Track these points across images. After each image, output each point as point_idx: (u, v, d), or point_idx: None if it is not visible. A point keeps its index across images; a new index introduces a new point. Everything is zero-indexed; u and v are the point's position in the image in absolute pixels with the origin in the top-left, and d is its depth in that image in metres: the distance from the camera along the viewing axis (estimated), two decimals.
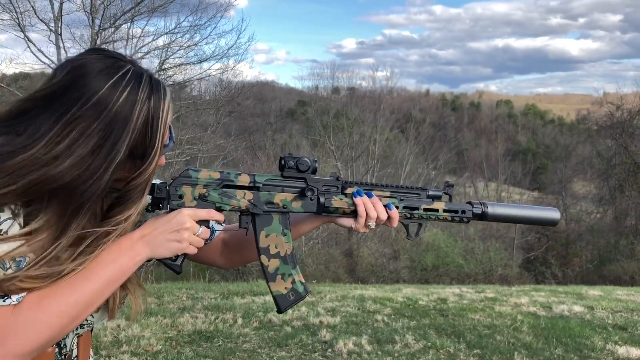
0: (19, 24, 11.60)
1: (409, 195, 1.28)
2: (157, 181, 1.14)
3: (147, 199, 1.05)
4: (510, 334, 4.73)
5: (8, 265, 0.92)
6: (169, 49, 13.13)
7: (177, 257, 1.09)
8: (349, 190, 1.23)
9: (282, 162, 1.19)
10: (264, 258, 1.20)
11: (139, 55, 12.60)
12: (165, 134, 1.02)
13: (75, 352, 1.10)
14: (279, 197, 1.18)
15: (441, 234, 19.15)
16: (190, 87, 16.95)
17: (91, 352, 1.18)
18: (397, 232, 17.09)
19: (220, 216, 1.14)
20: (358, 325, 4.85)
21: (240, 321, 4.73)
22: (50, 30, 12.02)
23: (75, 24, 12.95)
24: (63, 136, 0.92)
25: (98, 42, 11.94)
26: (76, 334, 1.10)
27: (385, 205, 1.24)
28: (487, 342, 4.44)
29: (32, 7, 11.65)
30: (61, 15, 12.03)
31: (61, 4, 11.98)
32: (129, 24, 12.71)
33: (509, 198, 29.59)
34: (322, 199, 1.20)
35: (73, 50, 12.11)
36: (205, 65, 13.95)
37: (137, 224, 1.07)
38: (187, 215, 1.07)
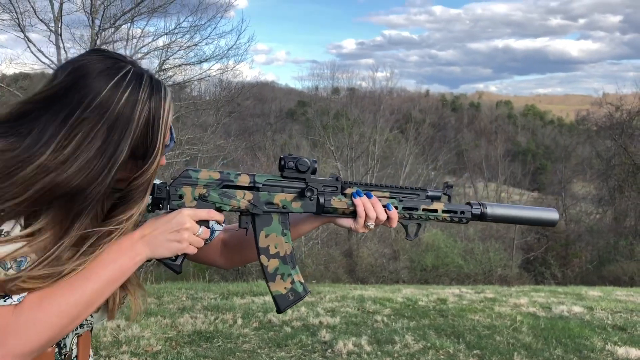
0: (19, 24, 11.59)
1: (408, 195, 1.28)
2: (157, 181, 1.14)
3: (148, 199, 1.05)
4: (509, 334, 4.73)
5: (9, 266, 0.93)
6: (169, 50, 13.13)
7: (177, 257, 1.10)
8: (348, 191, 1.24)
9: (282, 162, 1.20)
10: (263, 258, 1.20)
11: (139, 55, 12.59)
12: (166, 133, 1.02)
13: (75, 352, 1.10)
14: (279, 198, 1.19)
15: (441, 234, 19.16)
16: (190, 88, 16.96)
17: (91, 352, 1.18)
18: (397, 232, 17.10)
19: (220, 216, 1.15)
20: (358, 325, 4.85)
21: (240, 321, 4.74)
22: (50, 30, 12.01)
23: (75, 24, 12.94)
24: (69, 140, 0.93)
25: (98, 42, 11.94)
26: (76, 334, 1.10)
27: (384, 206, 1.24)
28: (487, 342, 4.44)
29: (32, 7, 11.65)
30: (61, 16, 12.03)
31: (61, 4, 11.98)
32: (129, 24, 12.71)
33: (508, 199, 29.59)
34: (321, 200, 1.21)
35: (73, 50, 12.12)
36: (205, 65, 13.94)
37: (137, 224, 1.07)
38: (187, 216, 1.08)
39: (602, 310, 6.01)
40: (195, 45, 13.34)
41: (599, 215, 25.20)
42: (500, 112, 59.93)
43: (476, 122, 51.07)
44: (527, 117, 58.16)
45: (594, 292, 7.98)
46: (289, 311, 4.98)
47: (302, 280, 1.22)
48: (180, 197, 1.12)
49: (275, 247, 1.20)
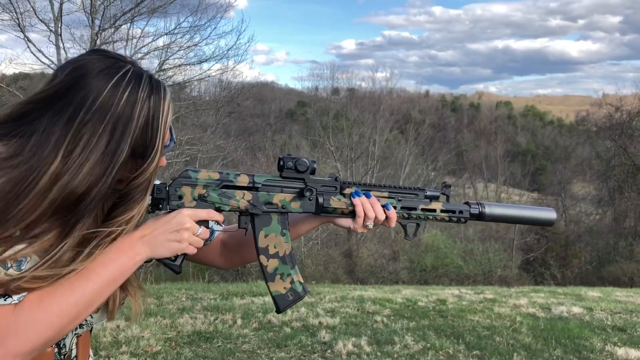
0: (18, 24, 11.59)
1: (407, 195, 1.29)
2: (156, 182, 1.14)
3: (148, 199, 1.06)
4: (509, 335, 4.73)
5: (9, 265, 0.93)
6: (168, 50, 13.13)
7: (176, 257, 1.10)
8: (347, 191, 1.24)
9: (281, 162, 1.20)
10: (263, 258, 1.20)
11: (139, 55, 12.59)
12: (165, 133, 1.03)
13: (74, 352, 1.10)
14: (278, 198, 1.19)
15: (440, 235, 19.16)
16: (190, 88, 16.96)
17: (91, 353, 1.18)
18: (397, 233, 17.11)
19: (219, 216, 1.15)
20: (357, 326, 4.85)
21: (239, 322, 4.74)
22: (50, 30, 12.01)
23: (75, 24, 12.93)
24: (75, 143, 0.93)
25: (98, 42, 11.94)
26: (75, 334, 1.10)
27: (383, 206, 1.25)
28: (487, 343, 4.44)
29: (32, 7, 11.65)
30: (61, 16, 12.03)
31: (61, 4, 11.98)
32: (128, 24, 12.71)
33: (508, 199, 29.58)
34: (320, 200, 1.21)
35: (73, 50, 12.12)
36: (205, 65, 13.94)
37: (138, 224, 1.07)
38: (187, 216, 1.08)
39: (601, 311, 6.01)
40: (195, 45, 13.36)
41: (598, 216, 25.21)
42: (500, 112, 59.96)
43: (476, 122, 51.08)
44: (527, 117, 58.19)
45: (593, 292, 7.98)
46: (289, 311, 4.98)
47: (302, 280, 1.22)
48: (180, 197, 1.12)
49: (275, 247, 1.20)
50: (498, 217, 1.33)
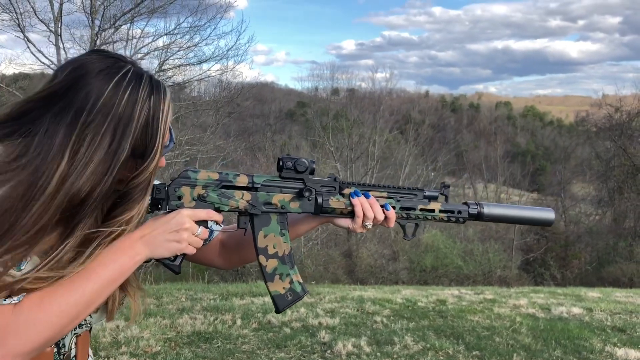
0: (18, 25, 11.58)
1: (406, 195, 1.29)
2: (156, 182, 1.14)
3: (148, 199, 1.06)
4: (509, 335, 4.73)
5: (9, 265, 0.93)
6: (168, 50, 13.12)
7: (176, 257, 1.10)
8: (346, 191, 1.24)
9: (280, 163, 1.20)
10: (262, 258, 1.20)
11: (139, 56, 12.59)
12: (165, 132, 1.03)
13: (73, 352, 1.11)
14: (277, 198, 1.19)
15: (440, 235, 19.15)
16: (189, 88, 16.95)
17: (90, 352, 1.18)
18: (396, 233, 17.10)
19: (219, 217, 1.15)
20: (357, 326, 4.85)
21: (239, 322, 4.74)
22: (50, 30, 12.01)
23: (75, 24, 12.88)
24: (79, 144, 0.93)
25: (98, 42, 11.94)
26: (74, 334, 1.10)
27: (382, 206, 1.25)
28: (486, 343, 4.44)
29: (32, 7, 11.64)
30: (61, 16, 12.02)
31: (61, 4, 11.97)
32: (128, 24, 12.70)
33: (508, 199, 29.61)
34: (319, 200, 1.21)
35: (73, 50, 12.11)
36: (204, 66, 13.93)
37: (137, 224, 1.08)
38: (186, 216, 1.08)
39: (601, 311, 6.01)
40: (195, 45, 13.35)
41: (598, 217, 25.20)
42: (500, 113, 59.98)
43: (475, 123, 51.09)
44: (527, 118, 58.23)
45: (593, 293, 7.98)
46: (289, 312, 4.98)
47: (301, 280, 1.22)
48: (179, 197, 1.12)
49: (274, 247, 1.20)
50: (497, 217, 1.33)
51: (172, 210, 1.11)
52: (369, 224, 1.24)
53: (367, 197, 1.24)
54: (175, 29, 12.97)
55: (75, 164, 0.93)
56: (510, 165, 35.13)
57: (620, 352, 4.28)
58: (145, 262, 1.07)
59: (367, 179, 22.49)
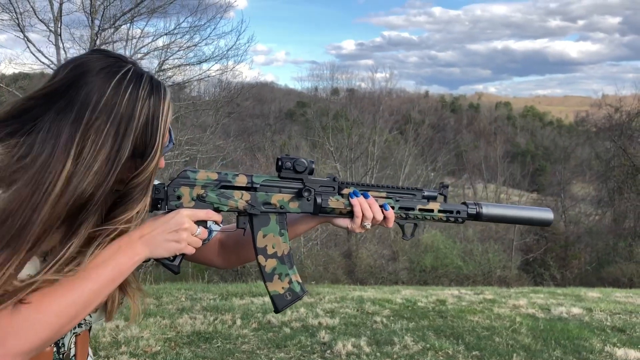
0: (18, 24, 11.59)
1: (405, 195, 1.29)
2: (155, 182, 1.15)
3: (149, 199, 1.06)
4: (508, 335, 4.73)
5: None
6: (168, 50, 13.13)
7: (175, 257, 1.10)
8: (345, 191, 1.24)
9: (280, 163, 1.20)
10: (261, 258, 1.20)
11: (139, 55, 12.59)
12: (165, 132, 1.03)
13: (73, 351, 1.11)
14: (276, 198, 1.19)
15: (440, 235, 19.15)
16: (189, 88, 16.96)
17: (90, 352, 1.18)
18: (396, 233, 17.10)
19: (218, 217, 1.15)
20: (357, 326, 4.85)
21: (239, 322, 4.74)
22: (50, 30, 12.01)
23: (74, 24, 12.88)
24: (83, 144, 0.93)
25: (98, 42, 11.94)
26: (74, 333, 1.10)
27: (381, 206, 1.25)
28: (486, 343, 4.45)
29: (32, 7, 11.65)
30: (61, 16, 12.02)
31: (61, 4, 11.97)
32: (128, 24, 12.71)
33: (507, 200, 29.62)
34: (318, 200, 1.21)
35: (72, 50, 12.11)
36: (204, 66, 13.94)
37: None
38: (186, 216, 1.08)
39: (601, 311, 6.02)
40: (195, 45, 13.36)
41: (598, 217, 25.22)
42: (500, 113, 60.01)
43: (475, 123, 51.09)
44: (527, 118, 58.25)
45: (593, 293, 7.99)
46: (288, 312, 4.98)
47: (300, 280, 1.22)
48: (179, 197, 1.12)
49: (273, 247, 1.21)
50: (495, 217, 1.33)
51: (172, 210, 1.11)
52: (368, 224, 1.24)
53: (366, 197, 1.24)
54: (175, 28, 12.99)
55: (80, 163, 0.93)
56: (510, 166, 35.15)
57: (620, 352, 4.28)
58: (145, 262, 1.07)
59: (367, 179, 22.49)
